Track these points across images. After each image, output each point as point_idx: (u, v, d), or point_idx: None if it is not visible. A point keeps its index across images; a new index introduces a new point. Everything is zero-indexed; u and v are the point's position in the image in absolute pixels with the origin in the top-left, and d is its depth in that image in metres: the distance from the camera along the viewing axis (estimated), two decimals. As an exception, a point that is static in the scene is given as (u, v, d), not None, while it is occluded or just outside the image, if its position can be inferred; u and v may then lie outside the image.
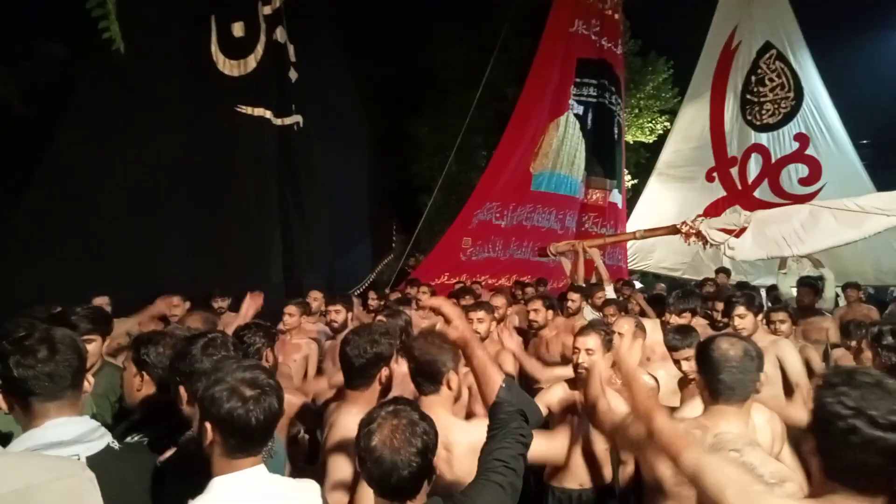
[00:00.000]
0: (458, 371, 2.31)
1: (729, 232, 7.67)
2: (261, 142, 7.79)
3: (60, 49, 8.14)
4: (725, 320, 5.96)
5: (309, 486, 1.75)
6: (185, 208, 6.77)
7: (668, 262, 12.75)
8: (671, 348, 3.45)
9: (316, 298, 6.11)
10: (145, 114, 6.36)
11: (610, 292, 6.72)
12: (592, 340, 3.26)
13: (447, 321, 2.02)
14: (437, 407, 2.23)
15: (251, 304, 3.88)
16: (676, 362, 3.43)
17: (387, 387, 2.52)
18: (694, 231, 7.82)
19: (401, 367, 3.65)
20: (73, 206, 5.85)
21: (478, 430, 2.00)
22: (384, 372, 2.46)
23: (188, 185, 6.77)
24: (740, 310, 4.19)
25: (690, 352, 3.19)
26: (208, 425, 1.58)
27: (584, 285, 7.02)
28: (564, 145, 11.81)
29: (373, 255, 10.39)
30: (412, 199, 14.22)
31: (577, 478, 3.29)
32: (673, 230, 8.39)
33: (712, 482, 1.65)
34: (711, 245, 7.79)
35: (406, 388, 3.57)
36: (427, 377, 2.29)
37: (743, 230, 7.65)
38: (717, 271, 9.53)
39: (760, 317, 4.41)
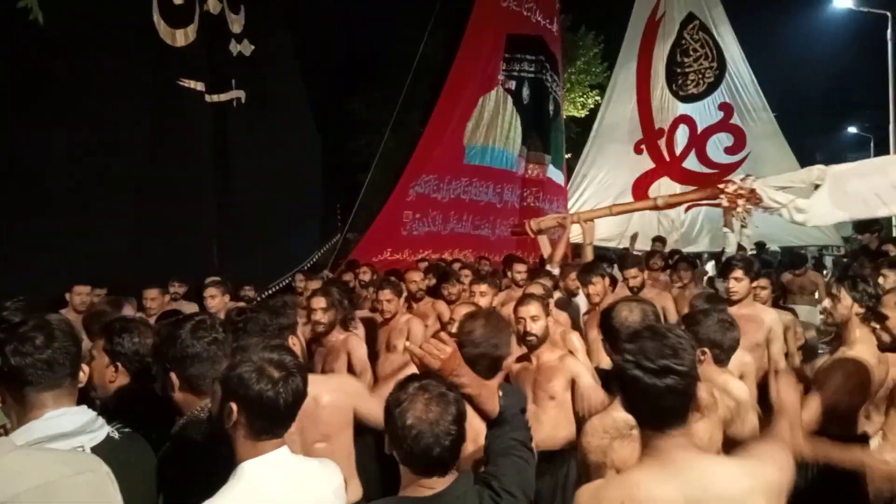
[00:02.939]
0: None
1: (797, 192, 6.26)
2: (192, 117, 7.44)
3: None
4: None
5: (331, 467, 1.74)
6: (124, 186, 6.48)
7: (603, 233, 12.92)
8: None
9: (154, 298, 5.23)
10: (87, 86, 6.02)
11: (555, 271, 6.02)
12: (534, 308, 3.35)
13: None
14: None
15: None
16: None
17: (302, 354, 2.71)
18: (745, 192, 6.26)
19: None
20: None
21: None
22: (291, 340, 2.57)
23: (127, 162, 6.47)
24: (738, 273, 4.14)
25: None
26: (234, 406, 1.53)
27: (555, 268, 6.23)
28: (497, 119, 11.75)
29: (318, 236, 10.18)
30: (352, 178, 13.98)
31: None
32: (713, 193, 6.75)
33: None
34: (769, 209, 6.33)
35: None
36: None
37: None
38: (654, 240, 9.89)
39: (755, 284, 4.39)
